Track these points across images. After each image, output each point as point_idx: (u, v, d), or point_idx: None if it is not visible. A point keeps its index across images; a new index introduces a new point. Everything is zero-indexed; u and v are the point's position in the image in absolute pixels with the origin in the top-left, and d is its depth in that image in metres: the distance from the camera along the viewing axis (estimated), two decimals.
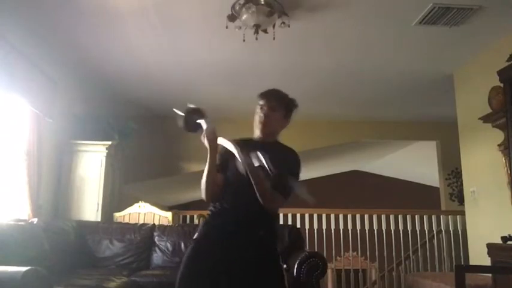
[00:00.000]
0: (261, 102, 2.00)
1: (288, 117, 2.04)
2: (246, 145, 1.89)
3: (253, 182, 1.79)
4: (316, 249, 4.94)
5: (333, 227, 5.17)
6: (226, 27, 3.22)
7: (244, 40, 3.29)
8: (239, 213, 1.89)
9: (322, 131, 6.15)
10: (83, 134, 4.43)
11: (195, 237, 1.95)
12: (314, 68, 4.41)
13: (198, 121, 1.87)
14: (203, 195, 1.91)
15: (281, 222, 5.42)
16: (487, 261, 3.06)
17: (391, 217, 5.23)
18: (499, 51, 3.42)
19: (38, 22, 3.46)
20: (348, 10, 3.23)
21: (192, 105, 1.92)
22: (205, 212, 2.01)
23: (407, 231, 5.23)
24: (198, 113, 1.90)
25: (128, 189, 5.28)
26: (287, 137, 2.05)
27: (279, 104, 2.00)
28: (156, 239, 4.07)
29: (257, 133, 2.01)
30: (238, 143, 1.88)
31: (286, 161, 1.94)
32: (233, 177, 1.91)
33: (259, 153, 1.77)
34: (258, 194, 1.80)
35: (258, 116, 2.00)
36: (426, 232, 5.38)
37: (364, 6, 3.19)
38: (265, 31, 3.21)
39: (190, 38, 3.76)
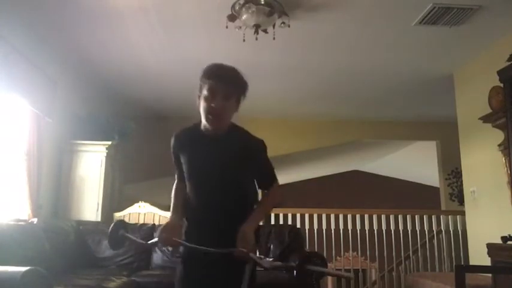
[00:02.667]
0: (213, 86, 1.51)
1: (240, 101, 1.61)
2: (194, 141, 1.62)
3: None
4: (316, 249, 4.94)
5: (333, 227, 5.16)
6: (226, 27, 3.22)
7: (244, 40, 3.29)
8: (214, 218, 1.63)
9: (323, 131, 6.14)
10: (83, 134, 4.42)
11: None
12: (314, 68, 4.40)
13: (150, 242, 1.74)
14: None
15: (281, 222, 5.45)
16: (487, 261, 3.06)
17: (391, 217, 5.22)
18: (499, 51, 3.43)
19: (38, 22, 3.47)
20: (348, 10, 3.23)
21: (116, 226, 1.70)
22: None
23: (407, 231, 5.23)
24: (121, 228, 1.70)
25: (127, 189, 5.27)
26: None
27: (235, 90, 1.56)
28: None
29: (206, 125, 1.58)
30: (180, 136, 1.68)
31: (248, 148, 1.60)
32: (198, 173, 1.64)
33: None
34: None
35: (207, 106, 1.52)
36: (426, 232, 5.37)
37: (364, 6, 3.19)
38: (265, 31, 3.21)
39: (190, 38, 3.76)
